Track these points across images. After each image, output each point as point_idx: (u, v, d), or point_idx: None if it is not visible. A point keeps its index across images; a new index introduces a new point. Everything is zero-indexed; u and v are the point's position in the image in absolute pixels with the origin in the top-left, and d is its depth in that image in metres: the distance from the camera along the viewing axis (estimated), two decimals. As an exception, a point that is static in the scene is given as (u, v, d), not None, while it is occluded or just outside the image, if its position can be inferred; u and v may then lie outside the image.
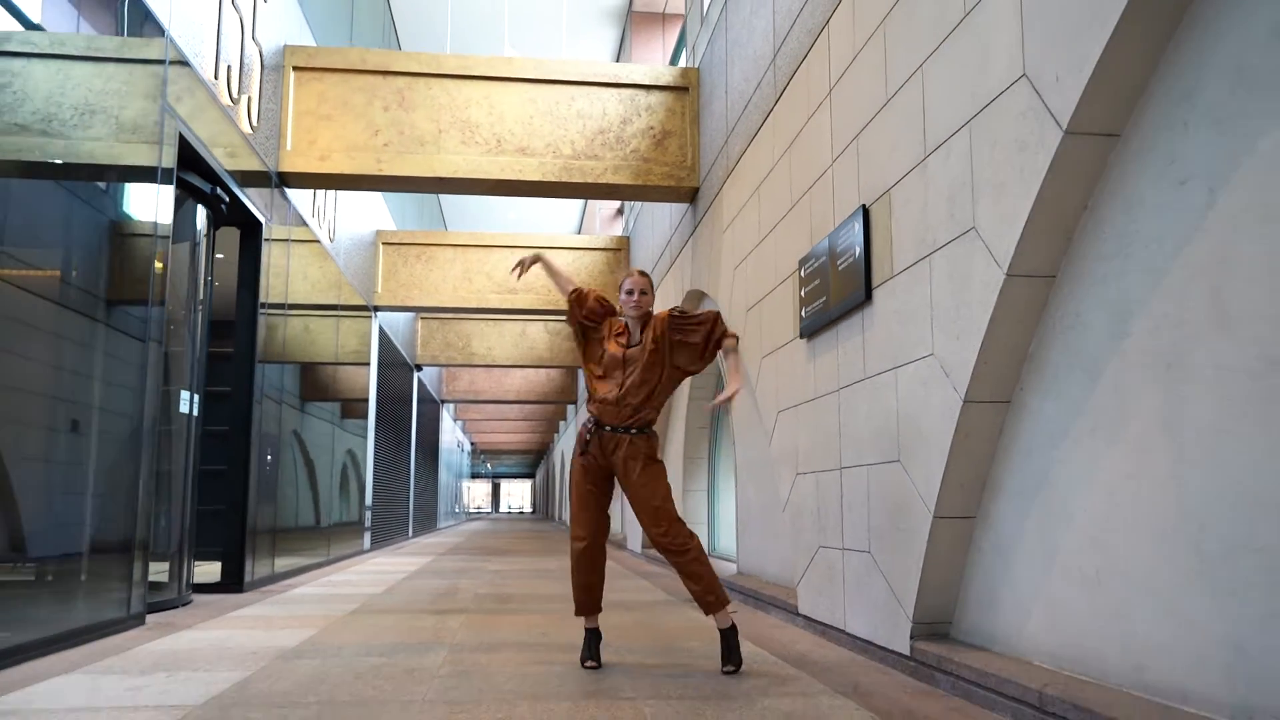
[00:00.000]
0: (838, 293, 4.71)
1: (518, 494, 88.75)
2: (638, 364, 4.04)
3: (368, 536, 13.39)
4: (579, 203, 23.54)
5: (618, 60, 16.40)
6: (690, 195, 8.83)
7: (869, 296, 4.34)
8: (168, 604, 6.02)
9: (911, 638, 3.80)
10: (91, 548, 4.84)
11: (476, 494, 78.06)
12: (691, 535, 4.00)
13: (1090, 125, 2.84)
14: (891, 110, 4.16)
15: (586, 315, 4.24)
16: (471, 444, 45.35)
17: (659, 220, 11.23)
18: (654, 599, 6.84)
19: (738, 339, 4.13)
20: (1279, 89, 2.30)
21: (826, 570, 4.87)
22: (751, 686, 3.58)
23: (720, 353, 4.09)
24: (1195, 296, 2.53)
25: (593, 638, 4.06)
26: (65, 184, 4.65)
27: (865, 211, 4.39)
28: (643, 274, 4.17)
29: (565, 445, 32.42)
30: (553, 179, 8.47)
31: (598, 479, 4.13)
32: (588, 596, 4.09)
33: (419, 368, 19.05)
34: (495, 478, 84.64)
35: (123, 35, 5.18)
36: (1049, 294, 3.19)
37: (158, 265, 5.47)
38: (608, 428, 4.06)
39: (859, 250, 4.43)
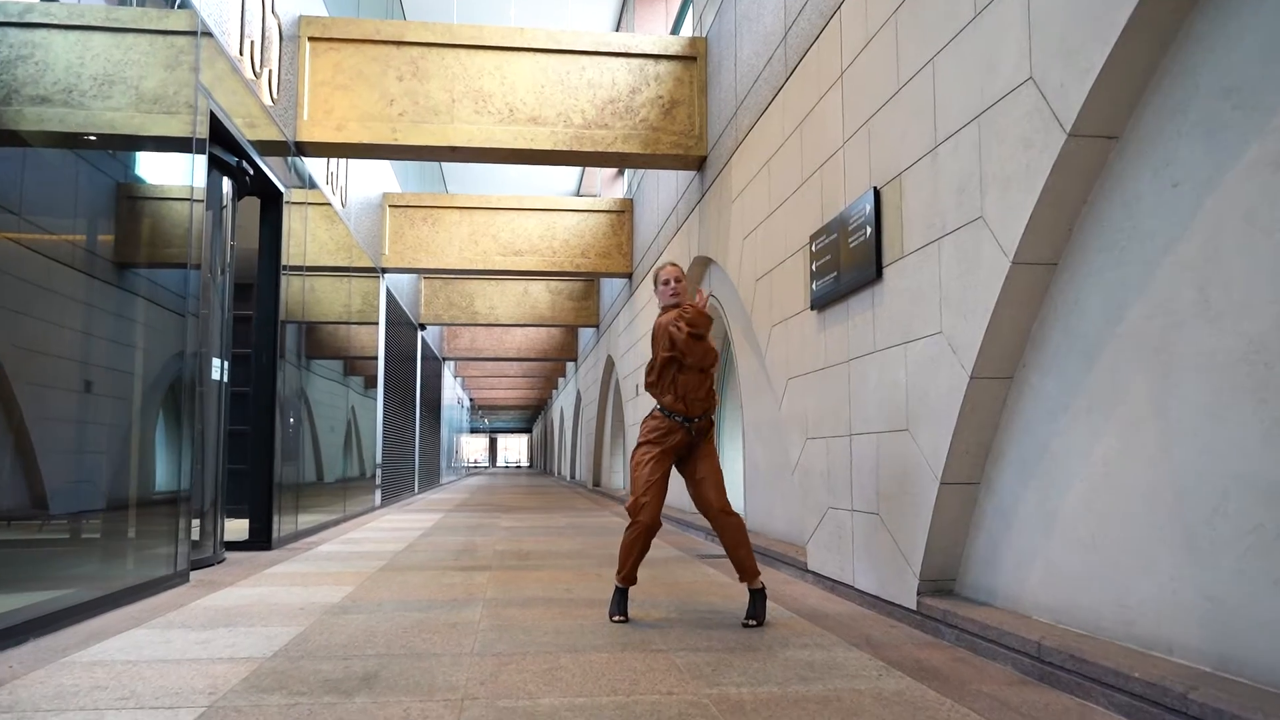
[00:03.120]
0: (849, 269, 4.96)
1: (514, 448, 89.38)
2: (708, 356, 4.39)
3: (379, 494, 13.74)
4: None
5: (618, 28, 16.44)
6: (698, 163, 9.03)
7: (880, 274, 4.59)
8: (205, 562, 6.33)
9: (918, 594, 4.11)
10: (139, 505, 5.13)
11: (475, 447, 78.69)
12: None
13: (1092, 128, 3.08)
14: (903, 99, 4.38)
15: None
16: (471, 400, 45.70)
17: (664, 184, 11.42)
18: (666, 555, 7.17)
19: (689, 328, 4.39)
20: (1264, 104, 2.54)
21: (836, 530, 5.18)
22: (772, 639, 3.89)
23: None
24: (1184, 288, 2.79)
25: (623, 596, 4.37)
26: (96, 155, 4.86)
27: (877, 193, 4.63)
28: (675, 265, 4.52)
29: (564, 401, 32.77)
30: (564, 148, 8.66)
31: (669, 462, 4.45)
32: (635, 568, 4.40)
33: (423, 327, 19.29)
34: (492, 432, 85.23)
35: (151, 6, 5.37)
36: (1050, 280, 3.45)
37: (196, 234, 5.70)
38: (698, 418, 4.40)
39: (870, 230, 4.67)
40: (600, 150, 8.73)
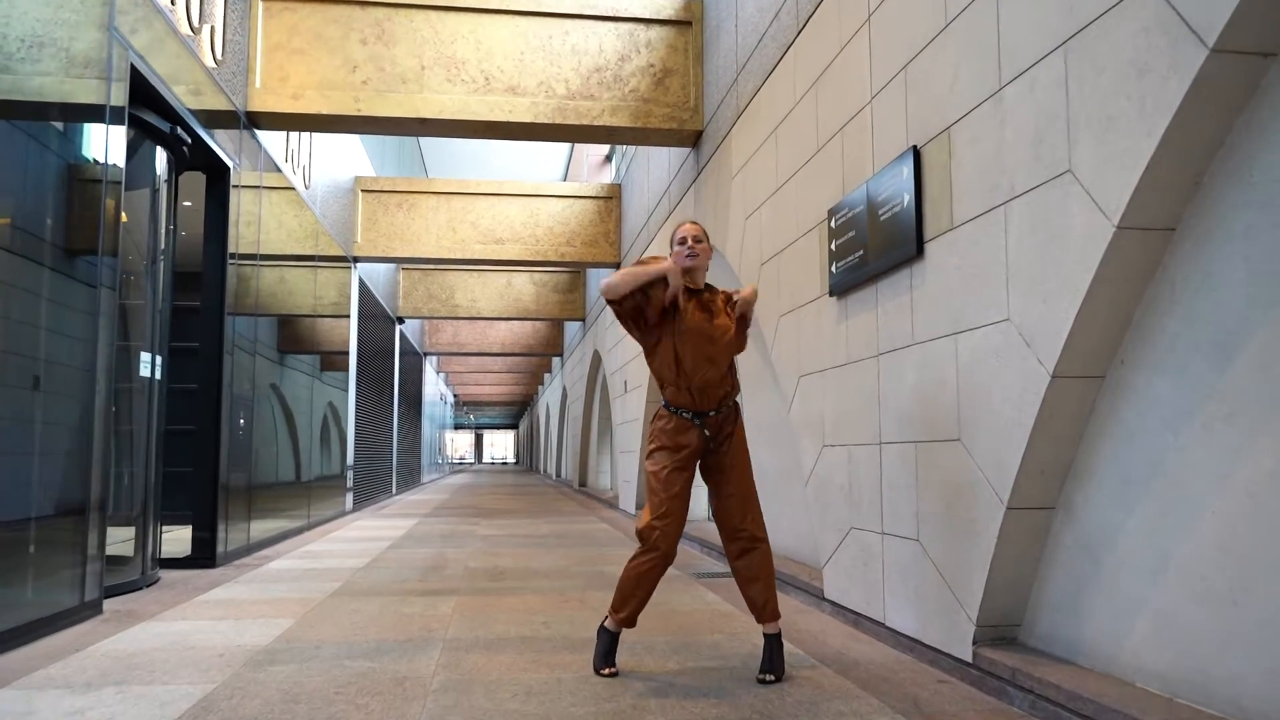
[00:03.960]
0: (878, 246, 4.17)
1: (501, 445, 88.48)
2: (726, 330, 3.62)
3: (350, 497, 12.89)
4: (564, 150, 22.80)
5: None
6: (693, 139, 8.22)
7: (920, 251, 3.81)
8: (131, 586, 5.50)
9: (974, 642, 3.33)
10: (41, 519, 4.30)
11: (460, 444, 77.83)
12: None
13: (1244, 41, 2.29)
14: (952, 36, 3.59)
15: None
16: (455, 396, 44.81)
17: (655, 166, 10.62)
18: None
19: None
20: None
21: (861, 555, 4.40)
22: (796, 702, 3.10)
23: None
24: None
25: (613, 641, 3.57)
26: (33, 126, 4.04)
27: (916, 153, 3.84)
28: (695, 224, 3.68)
29: (550, 398, 31.93)
30: (545, 120, 7.84)
31: (691, 471, 3.67)
32: (639, 610, 3.60)
33: (401, 320, 18.43)
34: (478, 429, 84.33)
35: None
36: (1167, 251, 2.67)
37: (112, 212, 4.87)
38: (712, 412, 3.60)
39: (908, 198, 3.88)
40: (586, 124, 7.91)
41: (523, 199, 13.30)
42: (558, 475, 29.30)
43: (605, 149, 19.15)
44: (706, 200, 7.79)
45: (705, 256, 3.65)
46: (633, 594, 3.54)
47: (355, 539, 9.09)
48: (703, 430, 3.58)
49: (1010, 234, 3.15)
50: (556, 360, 28.21)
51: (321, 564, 6.97)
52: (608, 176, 18.91)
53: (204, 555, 6.70)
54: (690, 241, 3.62)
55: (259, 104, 7.46)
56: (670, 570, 6.71)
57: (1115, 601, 2.86)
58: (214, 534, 6.74)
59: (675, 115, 8.06)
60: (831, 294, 4.77)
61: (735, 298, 3.69)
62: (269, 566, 6.79)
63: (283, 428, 9.31)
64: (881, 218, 4.14)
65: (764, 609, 3.55)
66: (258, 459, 7.98)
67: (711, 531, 8.04)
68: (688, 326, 3.56)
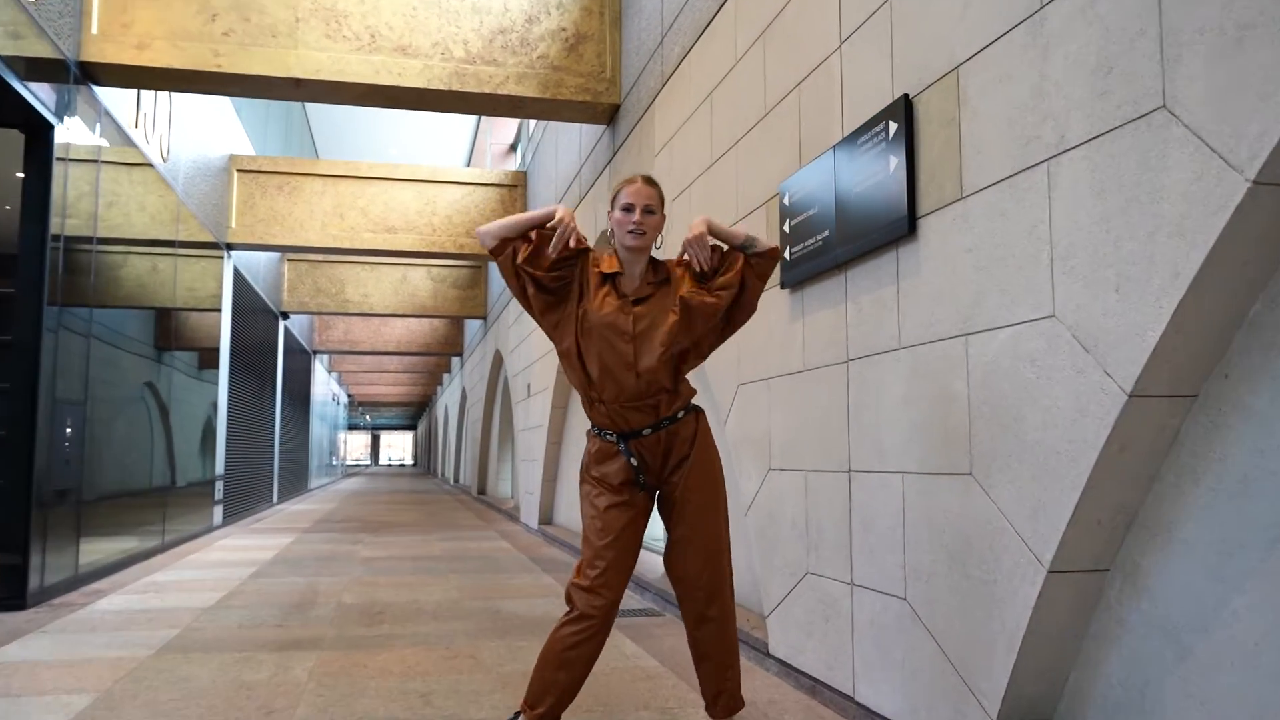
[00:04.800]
0: (850, 227, 3.34)
1: (399, 445, 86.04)
2: (660, 325, 2.68)
3: (219, 510, 11.58)
4: (468, 136, 21.66)
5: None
6: (609, 114, 7.32)
7: (912, 229, 2.98)
8: (-106, 643, 4.32)
9: (994, 744, 2.51)
10: None
11: (355, 445, 75.41)
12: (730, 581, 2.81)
13: None
14: (962, -52, 2.77)
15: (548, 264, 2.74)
16: (349, 396, 42.96)
17: (565, 148, 9.68)
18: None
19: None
20: None
21: (821, 608, 3.56)
22: (767, 847, 2.23)
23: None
24: None
25: (531, 737, 2.65)
26: None
27: (908, 104, 3.01)
28: (650, 182, 2.73)
29: (449, 399, 30.62)
30: (441, 86, 6.84)
31: (634, 509, 2.74)
32: (565, 702, 2.66)
33: (285, 315, 17.06)
34: (375, 429, 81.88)
35: None
36: (1315, 217, 1.88)
37: None
38: (645, 431, 2.70)
39: (894, 163, 3.05)
40: (488, 92, 6.94)
41: (419, 185, 12.19)
42: (456, 481, 28.04)
43: (510, 137, 18.11)
44: (624, 182, 6.89)
45: (654, 233, 2.74)
46: (553, 680, 2.62)
47: (215, 564, 7.90)
48: (629, 459, 2.69)
49: (1057, 200, 2.33)
50: (456, 360, 26.97)
51: (163, 601, 5.83)
52: (512, 164, 17.88)
53: (11, 595, 5.49)
54: (639, 212, 2.69)
55: (95, 53, 6.28)
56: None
57: (1207, 703, 2.07)
58: (24, 570, 5.53)
59: (589, 86, 7.14)
60: (784, 286, 3.93)
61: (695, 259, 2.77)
62: (95, 607, 5.62)
63: (157, 431, 8.10)
64: (855, 191, 3.31)
65: (715, 700, 2.70)
66: (97, 469, 6.76)
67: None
68: (594, 320, 2.65)
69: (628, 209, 2.67)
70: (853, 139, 3.34)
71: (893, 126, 3.07)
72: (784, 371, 3.95)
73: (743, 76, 4.50)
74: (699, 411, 2.83)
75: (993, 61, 2.60)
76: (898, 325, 3.07)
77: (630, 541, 2.67)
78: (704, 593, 2.70)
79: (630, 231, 2.66)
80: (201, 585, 6.57)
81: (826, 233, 3.52)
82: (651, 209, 2.68)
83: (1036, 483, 2.36)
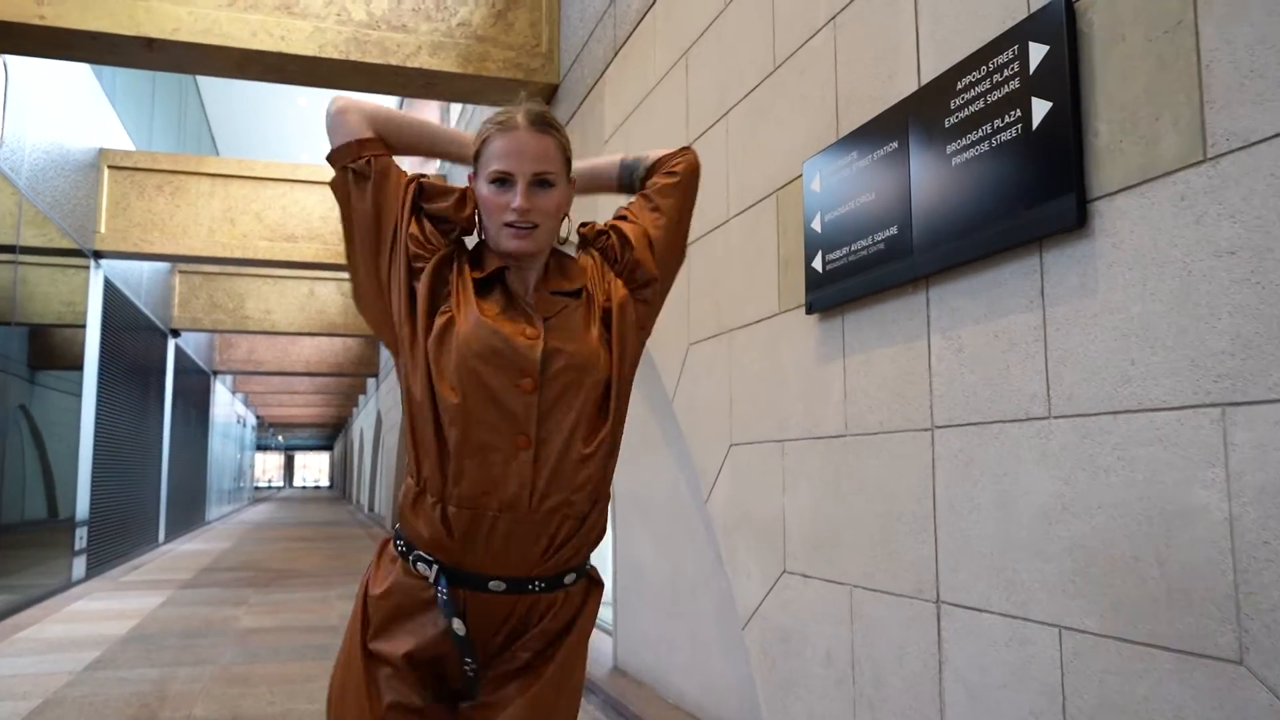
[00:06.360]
0: (941, 218, 2.13)
1: (315, 467, 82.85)
2: (589, 369, 1.44)
3: (80, 562, 9.90)
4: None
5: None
6: (545, 96, 6.05)
7: (1081, 219, 1.77)
8: None
9: None
10: None
11: (267, 467, 72.30)
12: None
13: None
14: None
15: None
16: (258, 417, 40.67)
17: (490, 146, 8.37)
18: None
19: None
20: None
21: (883, 803, 2.32)
22: None
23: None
24: None
25: None
26: None
27: (1069, 10, 1.82)
28: (541, 124, 1.46)
29: (364, 421, 28.85)
30: (336, 55, 5.48)
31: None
32: None
33: (176, 333, 15.34)
34: (289, 450, 78.74)
35: None
36: None
37: None
38: (536, 585, 1.43)
39: (1041, 109, 1.85)
40: (395, 64, 5.61)
41: (323, 188, 10.75)
42: (371, 509, 26.29)
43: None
44: (563, 178, 5.63)
45: (554, 223, 1.48)
46: None
47: (48, 644, 6.34)
48: (449, 624, 1.40)
49: None
50: (372, 381, 25.29)
51: (-57, 722, 4.34)
52: (432, 169, 16.47)
53: None
54: (521, 191, 1.41)
55: (-127, -5, 4.80)
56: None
57: None
58: None
59: (520, 62, 5.87)
60: (810, 310, 2.70)
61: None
62: None
63: (29, 462, 6.55)
64: (953, 160, 2.10)
65: None
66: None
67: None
68: (467, 332, 1.40)
69: (502, 181, 1.42)
70: (944, 84, 2.14)
71: (1036, 51, 1.87)
72: (810, 434, 2.72)
73: (738, 20, 3.28)
74: (597, 582, 1.56)
75: (1293, -99, 1.42)
76: (1045, 378, 1.86)
77: None
78: None
79: (509, 226, 1.42)
80: (18, 685, 5.07)
81: (893, 229, 2.30)
82: (547, 178, 1.43)
83: None
